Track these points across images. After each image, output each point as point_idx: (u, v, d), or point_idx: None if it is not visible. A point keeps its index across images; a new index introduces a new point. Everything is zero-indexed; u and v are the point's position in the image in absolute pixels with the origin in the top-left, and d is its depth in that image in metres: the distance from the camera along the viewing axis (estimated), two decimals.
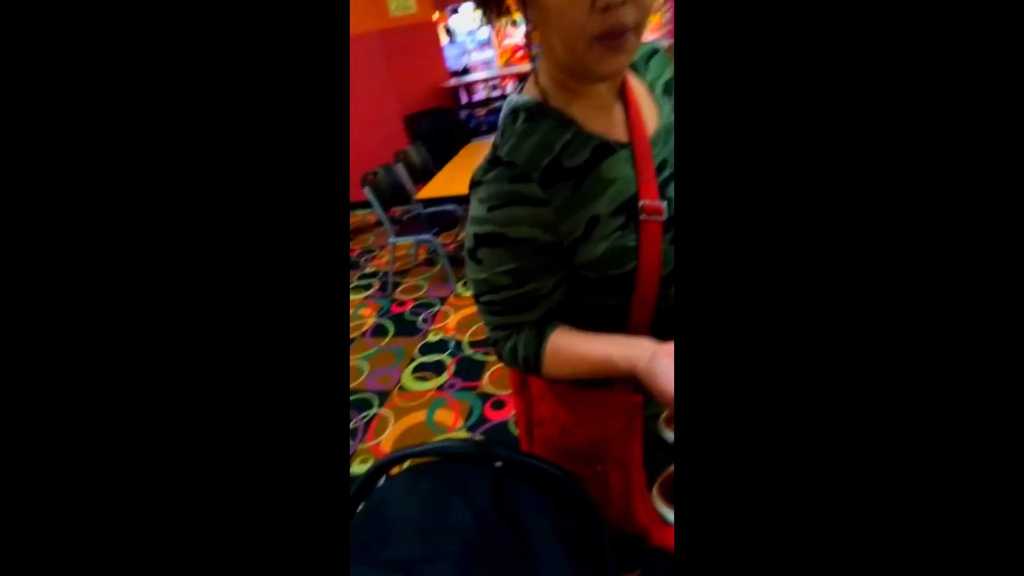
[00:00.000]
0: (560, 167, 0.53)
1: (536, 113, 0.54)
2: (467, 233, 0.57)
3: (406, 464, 0.61)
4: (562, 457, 0.64)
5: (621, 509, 0.64)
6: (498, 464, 0.57)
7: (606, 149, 0.53)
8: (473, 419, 1.71)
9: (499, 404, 1.74)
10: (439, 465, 0.59)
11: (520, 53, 4.33)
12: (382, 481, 0.60)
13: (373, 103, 3.67)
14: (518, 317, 0.57)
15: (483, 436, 1.63)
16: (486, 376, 1.89)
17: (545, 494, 0.56)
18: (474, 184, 0.56)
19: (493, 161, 0.54)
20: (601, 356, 0.53)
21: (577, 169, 0.53)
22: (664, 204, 0.53)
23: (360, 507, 0.56)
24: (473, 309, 2.32)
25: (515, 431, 1.61)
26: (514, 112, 0.56)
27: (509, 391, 1.78)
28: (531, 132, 0.53)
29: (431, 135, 3.53)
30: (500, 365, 1.92)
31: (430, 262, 2.96)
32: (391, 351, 2.19)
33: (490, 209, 0.53)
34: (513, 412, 1.67)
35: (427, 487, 0.54)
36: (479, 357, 2.01)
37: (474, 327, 2.20)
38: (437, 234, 2.53)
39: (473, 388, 1.85)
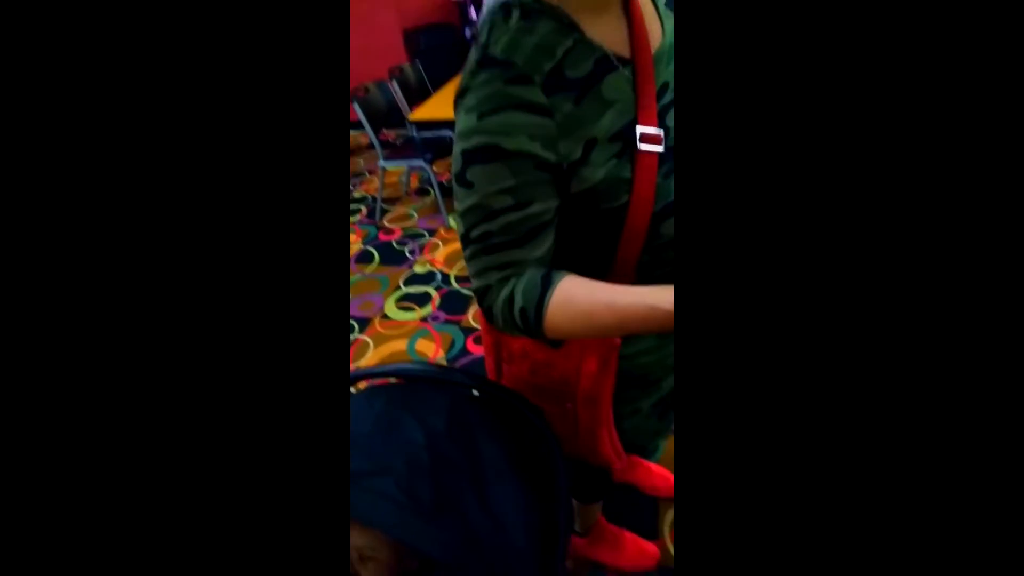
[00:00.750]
0: (563, 76, 0.44)
1: (533, 10, 0.46)
2: (454, 155, 0.48)
3: (364, 385, 0.60)
4: (531, 394, 0.61)
5: (587, 444, 0.63)
6: (459, 389, 0.55)
7: (608, 64, 0.46)
8: (455, 351, 1.69)
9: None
10: (398, 387, 0.57)
11: None
12: None
13: (367, 8, 3.38)
14: (519, 252, 0.48)
15: (463, 370, 1.61)
16: (471, 311, 1.86)
17: (502, 421, 0.55)
18: (460, 94, 0.46)
19: (484, 61, 0.44)
20: (633, 302, 0.43)
21: (580, 82, 0.45)
22: (662, 133, 0.47)
23: None
24: None
25: None
26: (505, 7, 0.46)
27: None
28: (529, 31, 0.44)
29: (431, 53, 3.28)
30: None
31: (422, 191, 2.85)
32: (376, 279, 2.14)
33: (481, 116, 0.44)
34: None
35: (381, 406, 0.52)
36: (466, 292, 1.97)
37: (461, 262, 2.14)
38: (431, 161, 2.40)
39: (457, 321, 1.83)
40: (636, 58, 0.47)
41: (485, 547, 0.47)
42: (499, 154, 0.44)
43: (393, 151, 2.59)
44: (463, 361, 1.64)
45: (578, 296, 0.46)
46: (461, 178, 0.47)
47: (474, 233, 0.48)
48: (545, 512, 0.53)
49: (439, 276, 2.09)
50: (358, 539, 0.55)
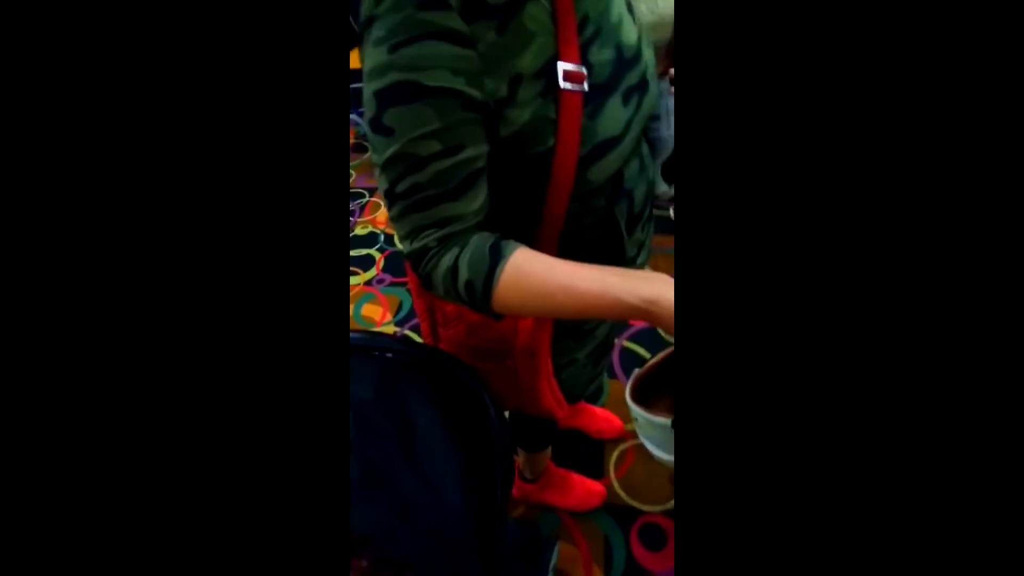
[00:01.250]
0: (481, 1, 0.40)
1: None
2: (365, 98, 0.42)
3: None
4: (470, 355, 0.61)
5: (529, 397, 0.64)
6: (388, 356, 0.54)
7: None
8: (402, 314, 1.66)
9: None
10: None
11: None
12: None
13: None
14: (455, 206, 0.43)
15: (409, 331, 1.60)
16: None
17: (435, 383, 0.54)
18: (365, 25, 0.41)
19: None
20: (595, 290, 0.41)
21: (501, 9, 0.41)
22: (584, 71, 0.44)
23: None
24: None
25: None
26: None
27: None
28: None
29: None
30: None
31: (359, 147, 2.70)
32: None
33: (393, 48, 0.39)
34: None
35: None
36: None
37: None
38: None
39: (403, 283, 1.79)
40: None
41: (420, 513, 0.47)
42: (420, 92, 0.39)
43: None
44: (411, 324, 1.62)
45: (533, 274, 0.43)
46: (377, 124, 0.41)
47: (400, 187, 0.43)
48: (482, 471, 0.54)
49: (382, 237, 2.02)
50: None
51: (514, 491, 1.15)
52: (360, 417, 0.49)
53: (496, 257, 0.43)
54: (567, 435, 1.26)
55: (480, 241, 0.45)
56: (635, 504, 1.13)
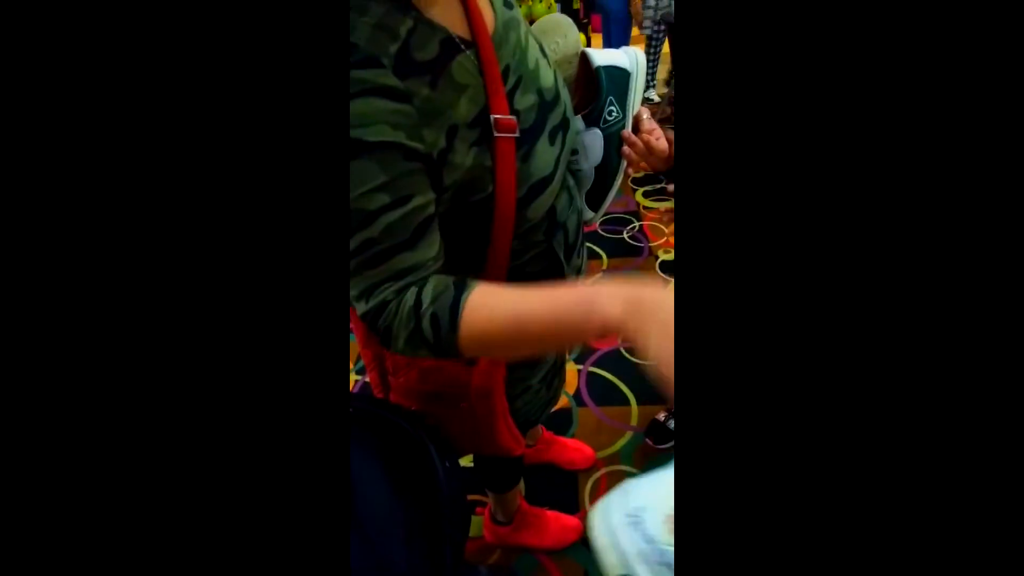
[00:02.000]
0: (412, 58, 0.41)
1: None
2: None
3: None
4: (423, 402, 0.60)
5: (487, 437, 0.62)
6: None
7: (453, 46, 0.44)
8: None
9: None
10: None
11: None
12: None
13: None
14: (411, 255, 0.42)
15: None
16: None
17: (379, 438, 0.53)
18: None
19: None
20: (560, 311, 0.39)
21: (430, 64, 0.42)
22: (515, 119, 0.46)
23: None
24: None
25: None
26: None
27: None
28: (361, 11, 0.40)
29: None
30: None
31: None
32: None
33: None
34: None
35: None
36: None
37: None
38: None
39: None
40: (478, 40, 0.45)
41: (358, 570, 0.44)
42: (361, 148, 0.39)
43: None
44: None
45: (498, 308, 0.41)
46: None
47: (352, 244, 0.41)
48: (428, 525, 0.52)
49: None
50: None
51: (488, 535, 1.10)
52: None
53: (461, 287, 0.42)
54: (538, 472, 1.23)
55: (441, 278, 0.44)
56: None
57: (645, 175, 2.40)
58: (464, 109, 0.44)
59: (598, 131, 0.60)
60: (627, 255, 1.94)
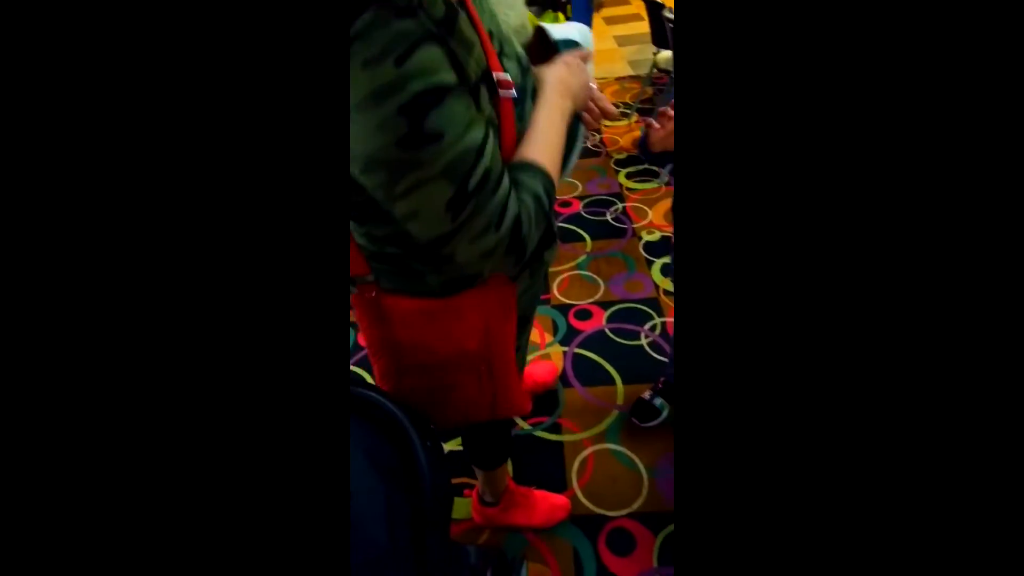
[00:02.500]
0: (431, 15, 0.40)
1: None
2: (383, 119, 0.37)
3: None
4: (444, 373, 0.60)
5: (505, 398, 0.64)
6: None
7: (452, 7, 0.43)
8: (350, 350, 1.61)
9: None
10: None
11: None
12: None
13: None
14: (507, 172, 0.47)
15: (359, 369, 1.54)
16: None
17: (360, 415, 0.52)
18: (353, 40, 0.37)
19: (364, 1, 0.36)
20: (547, 119, 0.52)
21: (444, 21, 0.41)
22: (509, 77, 0.49)
23: None
24: None
25: None
26: None
27: None
28: None
29: None
30: None
31: None
32: None
33: (399, 61, 0.37)
34: None
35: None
36: None
37: None
38: None
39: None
40: (466, 4, 0.45)
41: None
42: (445, 91, 0.39)
43: None
44: (357, 356, 1.57)
45: (536, 147, 0.51)
46: (418, 136, 0.38)
47: (473, 181, 0.42)
48: (412, 505, 0.51)
49: None
50: None
51: (476, 517, 1.11)
52: None
53: (525, 166, 0.50)
54: (525, 451, 1.24)
55: (509, 168, 0.49)
56: (600, 511, 1.12)
57: (628, 156, 2.39)
58: (474, 65, 0.44)
59: None
60: (611, 236, 1.94)
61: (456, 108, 0.40)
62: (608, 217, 2.03)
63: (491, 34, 0.48)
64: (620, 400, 1.34)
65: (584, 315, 1.60)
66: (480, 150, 0.42)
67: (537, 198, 0.49)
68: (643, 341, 1.49)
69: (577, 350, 1.49)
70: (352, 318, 0.59)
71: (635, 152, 2.41)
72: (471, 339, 0.58)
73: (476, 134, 0.42)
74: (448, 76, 0.40)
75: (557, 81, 0.55)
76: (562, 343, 1.51)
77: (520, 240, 0.47)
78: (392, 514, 0.48)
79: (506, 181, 0.46)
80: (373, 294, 0.56)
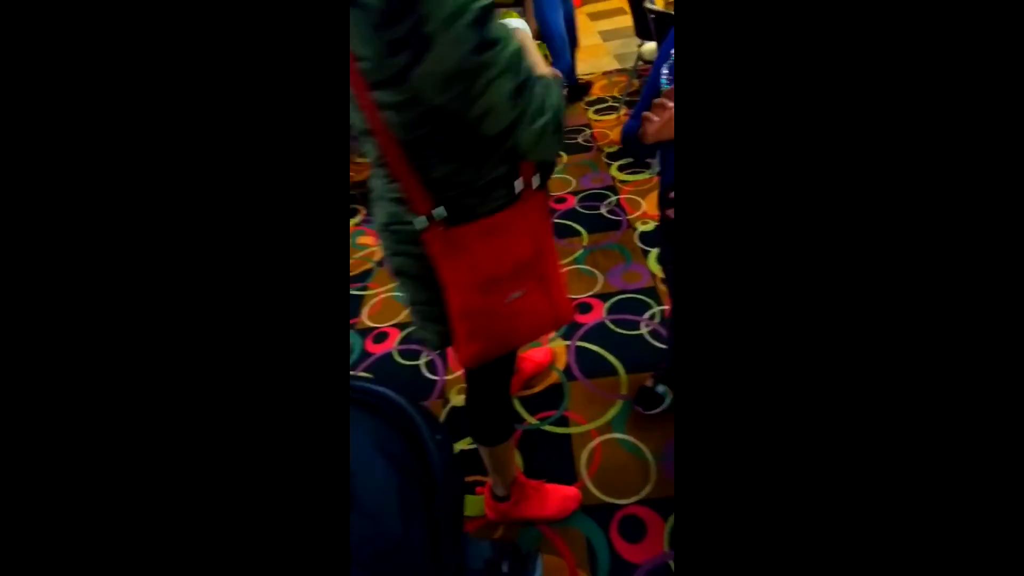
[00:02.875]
0: None
1: None
2: (454, 37, 0.50)
3: None
4: (510, 281, 0.72)
5: (560, 301, 0.77)
6: None
7: None
8: (355, 356, 1.63)
9: (382, 336, 1.68)
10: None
11: None
12: None
13: None
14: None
15: (367, 373, 1.56)
16: (364, 311, 1.80)
17: (370, 413, 0.55)
18: None
19: None
20: (535, 53, 0.61)
21: None
22: None
23: None
24: None
25: (401, 360, 1.57)
26: None
27: (390, 322, 1.71)
28: None
29: None
30: (380, 298, 1.83)
31: None
32: None
33: None
34: (397, 341, 1.62)
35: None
36: (355, 292, 1.90)
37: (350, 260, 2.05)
38: None
39: (352, 325, 1.76)
40: None
41: (357, 544, 0.46)
42: (491, 8, 0.53)
43: None
44: (365, 365, 1.59)
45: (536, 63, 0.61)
46: (483, 44, 0.52)
47: (523, 73, 0.56)
48: (424, 497, 0.53)
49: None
50: None
51: (490, 513, 1.13)
52: None
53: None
54: (533, 445, 1.26)
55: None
56: (610, 500, 1.13)
57: (619, 149, 2.41)
58: None
59: None
60: (606, 229, 1.95)
61: (498, 20, 0.54)
62: (603, 210, 2.05)
63: None
64: (624, 390, 1.36)
65: (584, 308, 1.62)
66: (519, 50, 0.56)
67: (555, 88, 0.62)
68: (643, 330, 1.51)
69: (579, 343, 1.50)
70: (429, 254, 0.68)
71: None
72: (524, 248, 0.71)
73: (514, 39, 0.56)
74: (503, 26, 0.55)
75: (526, 37, 0.66)
76: (564, 337, 1.53)
77: (560, 120, 0.62)
78: (406, 506, 0.50)
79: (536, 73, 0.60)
80: (442, 228, 0.66)
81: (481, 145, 0.62)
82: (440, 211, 0.65)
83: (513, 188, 0.68)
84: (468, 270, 0.69)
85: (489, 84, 0.54)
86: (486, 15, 0.52)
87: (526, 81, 0.57)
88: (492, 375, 0.89)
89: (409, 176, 0.63)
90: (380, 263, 1.98)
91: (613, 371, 1.41)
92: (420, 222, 0.65)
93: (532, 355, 1.43)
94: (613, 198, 2.11)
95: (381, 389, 0.57)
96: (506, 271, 0.71)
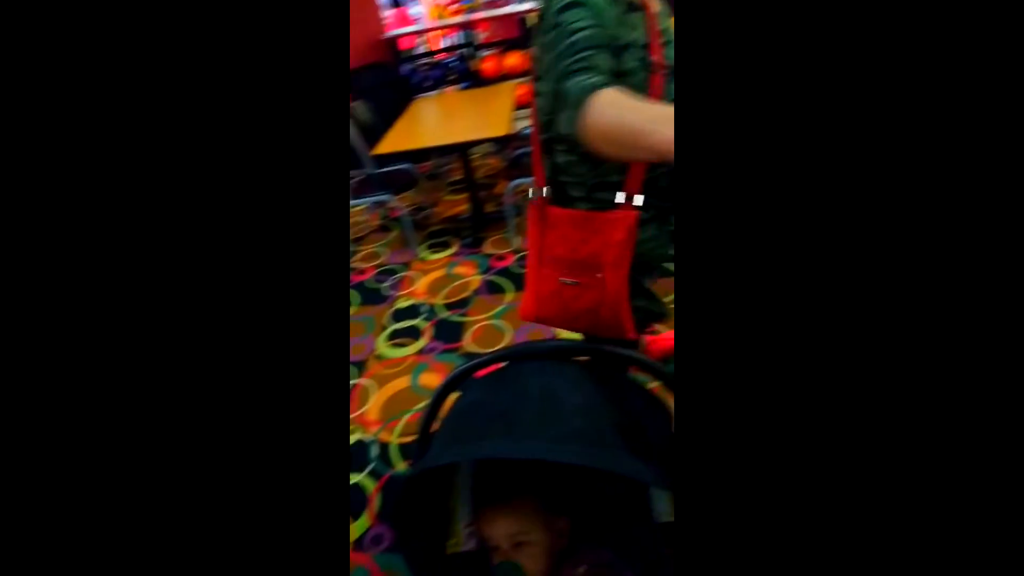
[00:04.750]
0: None
1: None
2: (544, 26, 0.70)
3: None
4: (569, 268, 0.81)
5: (612, 311, 0.80)
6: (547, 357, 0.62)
7: (634, 5, 0.74)
8: None
9: None
10: (510, 367, 0.62)
11: (455, 6, 4.07)
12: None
13: None
14: (596, 52, 0.66)
15: None
16: (467, 336, 1.83)
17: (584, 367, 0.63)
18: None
19: None
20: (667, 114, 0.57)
21: (626, 4, 0.73)
22: (664, 61, 0.74)
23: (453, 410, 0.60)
24: (440, 273, 2.23)
25: None
26: None
27: (491, 348, 1.73)
28: None
29: (374, 92, 3.28)
30: (481, 325, 1.87)
31: (384, 228, 2.80)
32: (359, 321, 2.07)
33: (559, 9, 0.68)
34: None
35: (516, 383, 0.56)
36: (456, 319, 1.95)
37: (445, 290, 2.11)
38: (396, 194, 2.38)
39: (455, 349, 1.79)
40: (646, 9, 0.76)
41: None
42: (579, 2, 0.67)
43: (353, 191, 2.54)
44: None
45: (626, 99, 0.61)
46: (567, 11, 0.67)
47: (580, 41, 0.67)
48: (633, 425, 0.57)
49: (424, 308, 2.05)
50: (512, 526, 0.54)
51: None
52: (596, 409, 0.52)
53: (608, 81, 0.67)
54: None
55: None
56: None
57: None
58: (636, 40, 0.72)
59: None
60: None
61: (579, 11, 0.68)
62: None
63: (664, 32, 0.76)
64: None
65: None
66: (574, 31, 0.67)
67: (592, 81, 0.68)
68: None
69: None
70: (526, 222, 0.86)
71: None
72: (595, 247, 0.77)
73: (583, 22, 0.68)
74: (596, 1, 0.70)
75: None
76: None
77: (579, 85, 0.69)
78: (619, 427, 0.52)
79: (591, 56, 0.68)
80: (540, 203, 0.82)
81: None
82: (547, 190, 0.81)
83: (615, 197, 0.76)
84: (547, 241, 0.82)
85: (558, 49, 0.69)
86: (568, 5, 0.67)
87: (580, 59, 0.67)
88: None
89: (537, 155, 0.81)
90: (477, 292, 2.03)
91: None
92: (534, 192, 0.82)
93: (668, 336, 1.52)
94: None
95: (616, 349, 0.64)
96: (575, 259, 0.80)
